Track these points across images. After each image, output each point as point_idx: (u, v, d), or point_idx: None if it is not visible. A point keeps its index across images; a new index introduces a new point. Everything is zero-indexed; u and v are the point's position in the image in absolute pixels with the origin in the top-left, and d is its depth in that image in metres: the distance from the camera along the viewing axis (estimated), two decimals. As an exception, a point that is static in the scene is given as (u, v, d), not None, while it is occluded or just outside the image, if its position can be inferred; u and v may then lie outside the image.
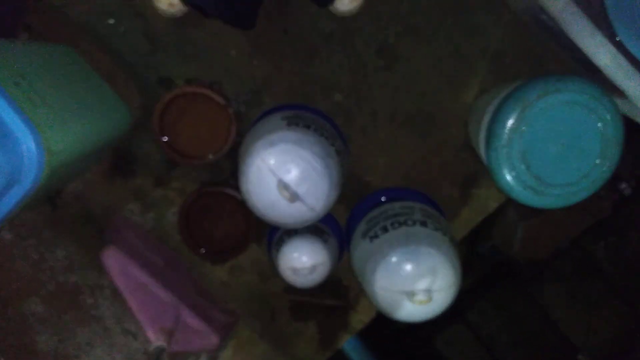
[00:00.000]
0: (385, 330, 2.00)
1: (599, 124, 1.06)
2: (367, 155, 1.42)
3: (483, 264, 2.05)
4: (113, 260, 1.25)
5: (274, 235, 1.36)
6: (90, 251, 1.42)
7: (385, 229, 1.18)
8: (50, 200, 1.40)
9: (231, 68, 1.35)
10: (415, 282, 1.09)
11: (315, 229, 1.29)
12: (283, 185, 1.05)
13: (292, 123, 1.11)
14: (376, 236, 1.18)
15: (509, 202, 1.46)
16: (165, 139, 1.34)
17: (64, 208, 1.42)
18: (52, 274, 1.44)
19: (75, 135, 1.03)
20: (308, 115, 1.20)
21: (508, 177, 1.09)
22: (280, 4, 1.30)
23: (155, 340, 1.22)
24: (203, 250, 1.43)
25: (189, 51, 1.34)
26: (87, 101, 1.16)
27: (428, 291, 1.08)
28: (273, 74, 1.35)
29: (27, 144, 0.88)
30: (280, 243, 1.28)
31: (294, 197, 1.05)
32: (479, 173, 1.42)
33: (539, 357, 2.03)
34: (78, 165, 1.20)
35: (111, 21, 1.31)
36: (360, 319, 1.53)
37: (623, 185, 1.81)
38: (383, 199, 1.38)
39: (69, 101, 1.08)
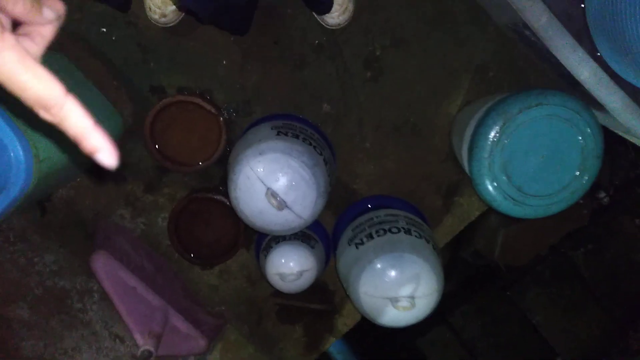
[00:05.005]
0: (369, 333, 2.03)
1: (579, 137, 1.10)
2: (354, 164, 1.44)
3: (465, 269, 2.08)
4: (102, 264, 1.26)
5: (262, 241, 1.38)
6: (80, 256, 1.43)
7: (370, 236, 1.21)
8: (40, 205, 1.41)
9: (222, 77, 1.37)
10: (398, 289, 1.11)
11: (303, 236, 1.31)
12: (271, 194, 1.07)
13: (282, 132, 1.14)
14: (361, 243, 1.21)
15: (491, 210, 1.49)
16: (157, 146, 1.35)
17: (54, 213, 1.42)
18: (40, 278, 1.44)
19: (64, 142, 1.04)
20: (297, 124, 1.22)
21: (489, 188, 1.12)
22: (271, 15, 1.33)
23: (144, 344, 1.23)
24: (192, 255, 1.44)
25: (180, 60, 1.35)
26: (79, 108, 1.17)
27: (411, 297, 1.10)
28: (263, 83, 1.37)
29: (15, 151, 0.90)
30: (268, 249, 1.30)
31: (282, 205, 1.07)
32: (461, 182, 1.45)
33: (519, 360, 2.07)
34: (68, 171, 1.21)
35: (103, 30, 1.32)
36: (345, 322, 1.56)
37: (602, 194, 1.85)
38: (369, 206, 1.41)
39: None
